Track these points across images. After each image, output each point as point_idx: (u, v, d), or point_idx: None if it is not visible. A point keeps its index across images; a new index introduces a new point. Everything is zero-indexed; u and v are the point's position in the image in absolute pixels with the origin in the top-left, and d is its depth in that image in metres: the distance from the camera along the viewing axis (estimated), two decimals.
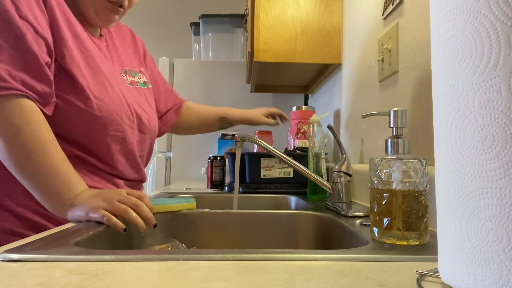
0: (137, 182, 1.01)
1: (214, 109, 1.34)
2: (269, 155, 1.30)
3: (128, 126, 0.90)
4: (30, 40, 0.72)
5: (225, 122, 1.31)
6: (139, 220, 0.67)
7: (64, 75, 0.80)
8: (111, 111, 0.85)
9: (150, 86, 1.09)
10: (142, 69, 1.09)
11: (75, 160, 0.80)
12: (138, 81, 1.03)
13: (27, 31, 0.72)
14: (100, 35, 0.97)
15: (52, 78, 0.76)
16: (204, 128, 1.35)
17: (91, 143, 0.84)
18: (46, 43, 0.76)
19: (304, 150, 1.32)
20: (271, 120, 1.37)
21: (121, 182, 0.93)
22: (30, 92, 0.72)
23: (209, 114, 1.32)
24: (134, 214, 0.67)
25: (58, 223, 0.77)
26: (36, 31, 0.74)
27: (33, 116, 0.71)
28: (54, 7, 0.79)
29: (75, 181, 0.72)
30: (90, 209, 0.66)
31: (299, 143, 1.46)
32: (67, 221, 0.70)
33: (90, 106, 0.81)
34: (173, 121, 1.25)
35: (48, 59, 0.76)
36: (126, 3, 0.90)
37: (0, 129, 0.69)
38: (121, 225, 0.64)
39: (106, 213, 0.65)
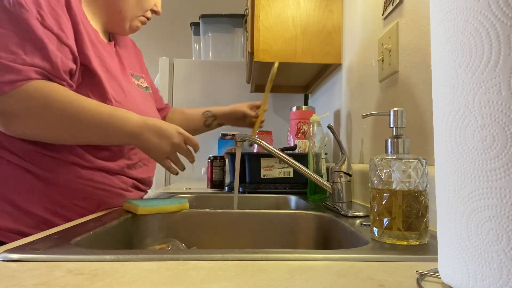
0: (146, 182, 1.03)
1: (199, 109, 1.35)
2: (269, 155, 1.30)
3: None
4: (52, 50, 0.75)
5: (209, 115, 1.28)
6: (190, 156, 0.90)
7: (87, 78, 0.83)
8: None
9: (151, 91, 1.13)
10: (143, 74, 1.13)
11: (87, 157, 0.84)
12: (142, 85, 1.07)
13: (48, 41, 0.75)
14: (109, 40, 1.00)
15: (71, 82, 0.80)
16: (191, 125, 1.32)
17: (107, 143, 0.88)
18: (70, 50, 0.79)
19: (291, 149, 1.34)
20: (252, 112, 1.36)
21: (130, 181, 0.95)
22: (47, 74, 0.75)
23: (194, 111, 1.33)
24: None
25: (67, 219, 0.78)
26: (61, 40, 0.77)
27: (53, 89, 0.75)
28: (77, 14, 0.83)
29: (126, 114, 0.81)
30: (158, 159, 0.85)
31: (299, 143, 1.46)
32: (75, 218, 0.75)
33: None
34: None
35: (73, 66, 0.79)
36: (150, 16, 1.01)
37: (31, 111, 0.74)
38: (176, 171, 0.89)
39: (169, 164, 0.88)
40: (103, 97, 0.84)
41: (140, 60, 1.17)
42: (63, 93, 0.76)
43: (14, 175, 0.80)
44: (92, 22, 0.91)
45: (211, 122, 1.29)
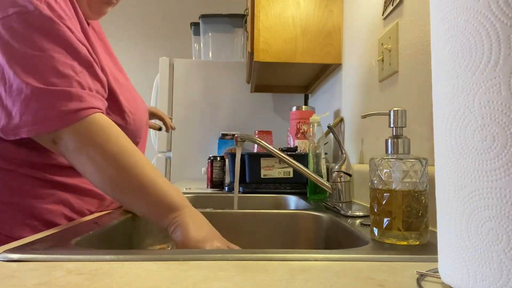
0: None
1: None
2: (269, 155, 1.30)
3: (146, 125, 0.92)
4: (97, 67, 0.70)
5: None
6: None
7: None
8: (140, 121, 0.85)
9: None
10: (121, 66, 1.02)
11: None
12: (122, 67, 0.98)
13: (91, 58, 0.70)
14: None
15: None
16: None
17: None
18: (99, 65, 0.73)
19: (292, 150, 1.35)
20: (156, 125, 1.36)
21: None
22: (103, 108, 0.69)
23: None
24: None
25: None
26: (89, 52, 0.72)
27: (113, 129, 0.68)
28: (80, 13, 0.76)
29: (175, 194, 0.67)
30: (195, 241, 0.61)
31: (299, 143, 1.46)
32: None
33: (129, 123, 0.80)
34: None
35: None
36: None
37: (88, 149, 0.64)
38: None
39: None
40: (121, 111, 0.78)
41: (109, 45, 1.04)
42: (122, 139, 0.67)
43: (27, 183, 0.73)
44: None
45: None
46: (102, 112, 0.68)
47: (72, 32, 0.68)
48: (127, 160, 0.65)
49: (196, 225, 0.64)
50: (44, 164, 0.74)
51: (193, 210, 0.67)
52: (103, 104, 0.70)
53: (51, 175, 0.75)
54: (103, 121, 0.66)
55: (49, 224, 0.73)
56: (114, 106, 0.78)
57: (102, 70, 0.75)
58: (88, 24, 0.85)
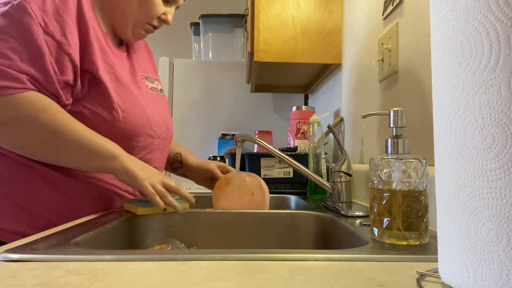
0: None
1: (176, 145, 1.19)
2: (269, 155, 1.30)
3: (150, 136, 0.91)
4: (48, 61, 0.74)
5: (177, 159, 1.13)
6: (176, 203, 0.79)
7: (94, 87, 0.81)
8: (136, 123, 0.86)
9: (165, 94, 1.09)
10: (157, 77, 1.09)
11: None
12: (157, 88, 1.04)
13: (47, 51, 0.73)
14: (121, 44, 0.98)
15: (63, 95, 0.77)
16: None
17: (84, 166, 0.83)
18: (70, 58, 0.77)
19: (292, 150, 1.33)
20: (219, 173, 1.15)
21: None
22: (40, 86, 0.74)
23: (171, 146, 1.16)
24: (170, 198, 0.79)
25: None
26: (61, 47, 0.75)
27: (47, 103, 0.74)
28: (88, 21, 0.81)
29: (111, 145, 0.78)
30: (142, 179, 0.76)
31: (299, 143, 1.46)
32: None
33: (116, 119, 0.82)
34: None
35: (70, 77, 0.77)
36: (158, 25, 0.96)
37: (20, 123, 0.72)
38: (162, 205, 0.76)
39: (153, 191, 0.76)
40: (109, 106, 0.82)
41: (153, 62, 1.13)
42: (55, 110, 0.74)
43: (20, 174, 0.79)
44: (103, 27, 0.89)
45: (177, 167, 1.15)
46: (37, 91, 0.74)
47: (46, 25, 0.74)
48: (61, 125, 0.74)
49: (139, 167, 0.78)
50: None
51: (129, 156, 0.79)
52: (42, 88, 0.74)
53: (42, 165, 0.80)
54: (38, 96, 0.73)
55: (38, 216, 0.78)
56: (102, 100, 0.81)
57: (93, 64, 0.80)
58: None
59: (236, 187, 0.96)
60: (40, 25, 0.73)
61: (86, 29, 0.81)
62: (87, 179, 0.83)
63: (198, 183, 1.13)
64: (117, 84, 0.85)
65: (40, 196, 0.79)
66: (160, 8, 0.92)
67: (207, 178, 1.09)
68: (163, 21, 0.94)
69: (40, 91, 0.74)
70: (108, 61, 0.85)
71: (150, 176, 0.78)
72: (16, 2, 0.72)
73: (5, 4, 0.73)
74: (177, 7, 0.97)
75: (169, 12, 0.95)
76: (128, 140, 0.86)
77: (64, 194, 0.81)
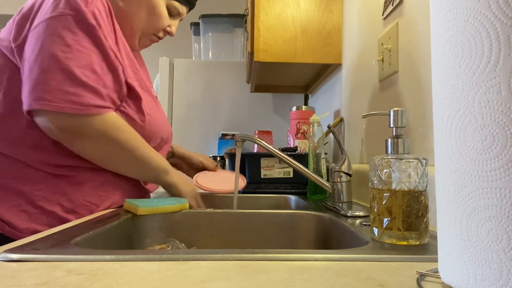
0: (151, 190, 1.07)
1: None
2: (269, 155, 1.30)
3: (161, 139, 0.98)
4: (120, 71, 0.82)
5: (169, 150, 1.24)
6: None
7: (129, 91, 0.87)
8: (156, 125, 0.93)
9: None
10: (152, 84, 1.14)
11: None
12: (156, 95, 1.08)
13: (118, 64, 0.82)
14: None
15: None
16: None
17: (140, 177, 0.94)
18: (122, 67, 0.84)
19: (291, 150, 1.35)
20: (209, 164, 1.34)
21: (143, 188, 0.99)
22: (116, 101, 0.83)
23: None
24: (203, 206, 0.99)
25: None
26: (117, 57, 0.83)
27: (123, 124, 0.83)
28: (116, 28, 0.86)
29: (164, 162, 0.93)
30: (186, 193, 0.95)
31: (299, 143, 1.46)
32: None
33: (143, 121, 0.89)
34: None
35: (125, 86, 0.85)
36: (163, 36, 1.04)
37: (103, 140, 0.81)
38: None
39: (197, 204, 0.96)
40: (140, 110, 0.88)
41: (146, 68, 1.19)
42: (129, 130, 0.84)
43: (33, 176, 0.80)
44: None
45: (167, 157, 1.25)
46: (113, 110, 0.83)
47: (107, 39, 0.81)
48: (133, 143, 0.84)
49: (183, 182, 0.96)
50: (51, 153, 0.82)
51: (175, 170, 0.97)
52: (114, 103, 0.83)
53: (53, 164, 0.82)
54: (116, 116, 0.82)
55: (44, 212, 0.79)
56: (135, 106, 0.88)
57: (125, 70, 0.86)
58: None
59: (217, 173, 1.23)
60: (104, 35, 0.79)
61: (117, 37, 0.86)
62: (100, 173, 0.86)
63: (185, 172, 1.29)
64: (142, 89, 0.91)
65: (50, 189, 0.81)
66: (167, 21, 1.00)
67: (196, 169, 1.28)
68: (167, 32, 1.03)
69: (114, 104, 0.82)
70: (134, 67, 0.91)
71: (190, 190, 0.97)
72: (79, 15, 0.77)
73: (63, 14, 0.77)
74: (181, 19, 1.05)
75: (174, 25, 1.03)
76: (148, 139, 0.91)
77: (75, 187, 0.83)
